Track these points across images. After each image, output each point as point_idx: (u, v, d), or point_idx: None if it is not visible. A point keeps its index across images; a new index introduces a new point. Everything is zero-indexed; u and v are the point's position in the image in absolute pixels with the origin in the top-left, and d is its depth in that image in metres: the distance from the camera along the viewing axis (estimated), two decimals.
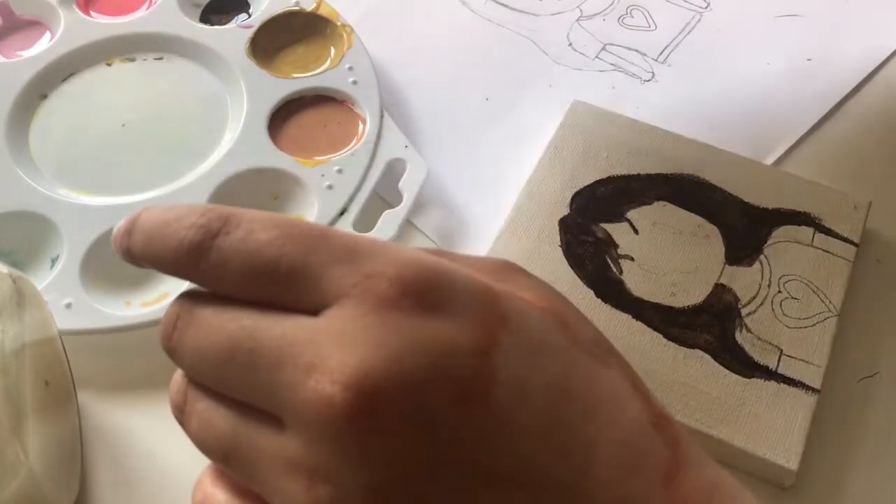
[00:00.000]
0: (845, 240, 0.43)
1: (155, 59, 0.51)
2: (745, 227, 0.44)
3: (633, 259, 0.43)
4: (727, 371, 0.39)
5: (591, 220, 0.44)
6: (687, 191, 0.45)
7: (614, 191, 0.45)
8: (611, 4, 0.57)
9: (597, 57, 0.54)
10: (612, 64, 0.54)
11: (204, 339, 0.23)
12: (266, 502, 0.23)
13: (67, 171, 0.47)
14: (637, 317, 0.41)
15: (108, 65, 0.51)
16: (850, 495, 0.38)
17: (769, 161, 0.49)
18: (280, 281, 0.23)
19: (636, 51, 0.54)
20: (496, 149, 0.50)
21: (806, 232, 0.43)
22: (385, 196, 0.47)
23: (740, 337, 0.40)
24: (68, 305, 0.41)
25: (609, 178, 0.45)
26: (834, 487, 0.38)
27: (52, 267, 0.43)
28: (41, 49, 0.51)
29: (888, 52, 0.54)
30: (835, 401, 0.40)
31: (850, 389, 0.41)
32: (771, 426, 0.37)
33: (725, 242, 0.43)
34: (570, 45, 0.55)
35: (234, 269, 0.23)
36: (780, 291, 0.41)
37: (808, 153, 0.49)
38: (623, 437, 0.23)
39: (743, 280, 0.42)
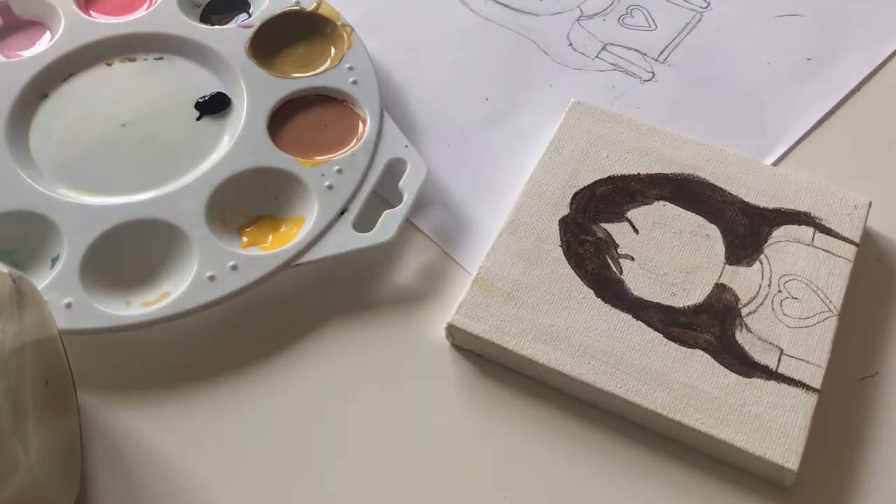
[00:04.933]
0: (845, 240, 0.43)
1: (155, 59, 0.51)
2: (745, 227, 0.44)
3: (633, 259, 0.43)
4: (727, 371, 0.39)
5: (591, 219, 0.44)
6: (687, 191, 0.45)
7: (614, 191, 0.45)
8: (611, 4, 0.57)
9: (597, 57, 0.54)
10: (612, 64, 0.54)
11: None
12: None
13: (67, 171, 0.47)
14: (637, 317, 0.41)
15: (108, 65, 0.51)
16: (850, 495, 0.38)
17: (769, 161, 0.49)
18: None
19: (636, 51, 0.54)
20: (496, 148, 0.50)
21: (806, 232, 0.43)
22: (385, 196, 0.47)
23: (740, 337, 0.40)
24: (68, 305, 0.41)
25: (609, 178, 0.46)
26: (834, 487, 0.38)
27: (52, 267, 0.43)
28: (41, 49, 0.51)
29: (888, 52, 0.54)
30: (835, 401, 0.40)
31: (850, 389, 0.41)
32: (771, 426, 0.37)
33: (725, 242, 0.43)
34: (570, 45, 0.55)
35: None
36: (780, 291, 0.41)
37: (808, 153, 0.49)
38: None
39: (743, 280, 0.42)
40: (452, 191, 0.48)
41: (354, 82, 0.49)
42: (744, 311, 0.41)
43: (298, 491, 0.38)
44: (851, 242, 0.43)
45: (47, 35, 0.53)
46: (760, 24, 0.55)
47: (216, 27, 0.52)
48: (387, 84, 0.53)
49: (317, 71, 0.50)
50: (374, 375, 0.41)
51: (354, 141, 0.48)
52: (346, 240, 0.43)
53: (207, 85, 0.50)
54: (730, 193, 0.45)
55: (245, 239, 0.44)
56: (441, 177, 0.48)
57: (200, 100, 0.49)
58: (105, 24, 0.52)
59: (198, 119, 0.49)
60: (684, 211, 0.44)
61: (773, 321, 0.40)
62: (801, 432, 0.37)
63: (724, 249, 0.43)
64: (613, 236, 0.43)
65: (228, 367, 0.42)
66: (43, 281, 0.42)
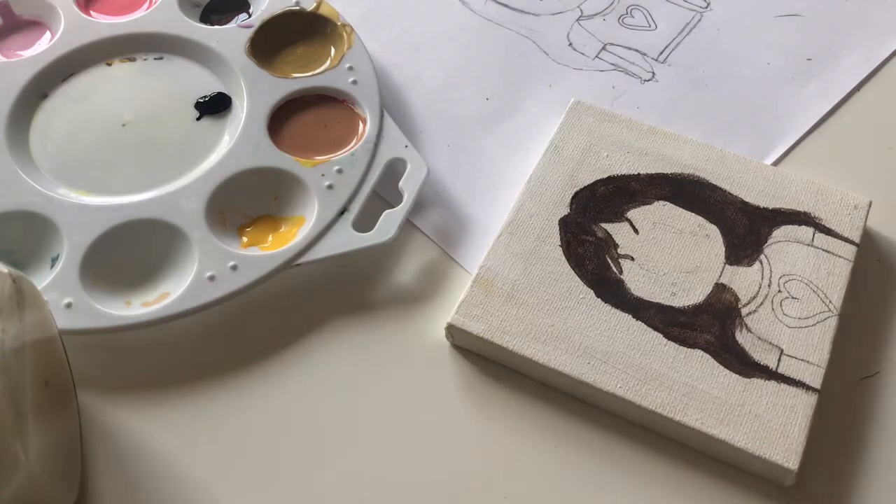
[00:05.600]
0: (845, 240, 0.43)
1: (155, 59, 0.51)
2: (745, 227, 0.44)
3: (633, 259, 0.43)
4: (727, 371, 0.39)
5: (591, 219, 0.44)
6: (687, 191, 0.45)
7: (614, 191, 0.45)
8: (611, 4, 0.57)
9: (597, 57, 0.54)
10: (612, 64, 0.54)
11: None
12: None
13: (67, 171, 0.47)
14: (637, 317, 0.41)
15: (108, 65, 0.51)
16: (850, 495, 0.38)
17: (769, 161, 0.49)
18: None
19: (636, 51, 0.54)
20: (496, 148, 0.50)
21: (806, 232, 0.43)
22: (385, 196, 0.47)
23: (740, 337, 0.40)
24: (68, 305, 0.41)
25: (609, 178, 0.46)
26: (834, 487, 0.38)
27: (52, 267, 0.43)
28: (41, 49, 0.51)
29: (888, 52, 0.54)
30: (835, 401, 0.40)
31: (850, 389, 0.41)
32: (771, 426, 0.37)
33: (725, 242, 0.43)
34: (570, 45, 0.55)
35: None
36: (780, 291, 0.41)
37: (808, 153, 0.49)
38: None
39: (743, 280, 0.42)
40: (452, 191, 0.48)
41: (354, 82, 0.49)
42: (744, 311, 0.41)
43: (298, 490, 0.38)
44: (851, 242, 0.43)
45: (47, 35, 0.53)
46: (760, 24, 0.55)
47: (216, 27, 0.52)
48: (387, 84, 0.53)
49: (317, 71, 0.50)
50: (374, 375, 0.41)
51: (354, 141, 0.48)
52: (346, 240, 0.43)
53: (207, 85, 0.50)
54: (730, 193, 0.45)
55: (245, 239, 0.44)
56: (441, 177, 0.49)
57: (200, 100, 0.49)
58: (105, 24, 0.52)
59: (198, 119, 0.49)
60: (684, 211, 0.44)
61: (773, 321, 0.40)
62: (801, 432, 0.37)
63: (724, 249, 0.43)
64: (613, 236, 0.43)
65: (228, 367, 0.42)
66: (43, 281, 0.42)
